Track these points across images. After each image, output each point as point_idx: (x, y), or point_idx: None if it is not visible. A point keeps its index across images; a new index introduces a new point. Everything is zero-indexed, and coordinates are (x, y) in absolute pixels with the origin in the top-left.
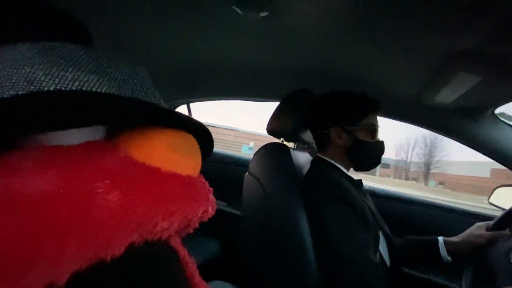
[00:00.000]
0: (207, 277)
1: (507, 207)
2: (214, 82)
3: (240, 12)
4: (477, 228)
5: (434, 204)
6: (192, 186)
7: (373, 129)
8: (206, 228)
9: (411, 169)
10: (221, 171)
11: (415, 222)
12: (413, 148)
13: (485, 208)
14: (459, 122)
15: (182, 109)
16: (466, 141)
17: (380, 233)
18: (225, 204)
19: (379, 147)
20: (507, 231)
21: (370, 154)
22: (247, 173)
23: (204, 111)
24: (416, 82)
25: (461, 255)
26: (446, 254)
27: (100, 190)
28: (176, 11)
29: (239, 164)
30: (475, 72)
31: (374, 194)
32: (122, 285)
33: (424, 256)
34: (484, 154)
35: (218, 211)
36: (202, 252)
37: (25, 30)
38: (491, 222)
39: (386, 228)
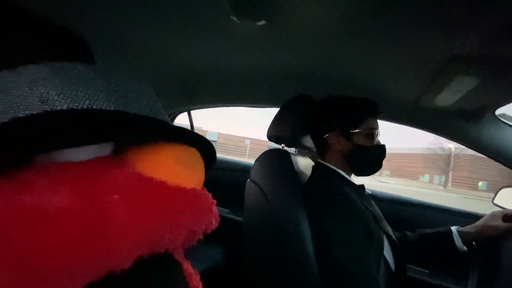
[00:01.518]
0: (210, 285)
1: (511, 208)
2: (214, 89)
3: (237, 21)
4: (493, 218)
5: (436, 207)
6: (196, 199)
7: (372, 133)
8: (209, 235)
9: None
10: (223, 177)
11: (416, 224)
12: None
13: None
14: (460, 124)
15: (183, 116)
16: (468, 143)
17: (384, 237)
18: (228, 211)
19: (379, 151)
20: None
21: (369, 159)
22: (248, 180)
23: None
24: (415, 85)
25: (488, 237)
26: (461, 244)
27: (110, 205)
28: (174, 20)
29: (241, 170)
30: (474, 74)
31: (375, 198)
32: None
33: (439, 247)
34: (487, 155)
35: (221, 218)
36: (205, 259)
37: (30, 48)
38: (507, 211)
39: (390, 231)
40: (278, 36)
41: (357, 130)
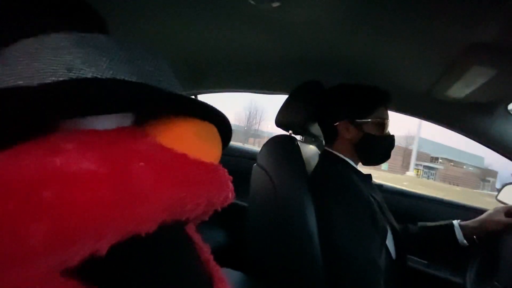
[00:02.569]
0: None
1: None
2: (222, 74)
3: (253, 2)
4: (496, 213)
5: (438, 199)
6: (215, 172)
7: (383, 122)
8: (213, 219)
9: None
10: (228, 163)
11: (420, 217)
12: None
13: None
14: (470, 117)
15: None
16: (476, 136)
17: (388, 228)
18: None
19: (389, 141)
20: None
21: (378, 149)
22: (255, 164)
23: None
24: (428, 76)
25: (488, 232)
26: (462, 237)
27: (136, 171)
28: (186, 1)
29: (246, 156)
30: (490, 65)
31: (382, 189)
32: (154, 259)
33: (440, 241)
34: (495, 150)
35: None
36: (209, 242)
37: (46, 17)
38: (511, 207)
39: (393, 221)
40: (291, 19)
41: (368, 119)
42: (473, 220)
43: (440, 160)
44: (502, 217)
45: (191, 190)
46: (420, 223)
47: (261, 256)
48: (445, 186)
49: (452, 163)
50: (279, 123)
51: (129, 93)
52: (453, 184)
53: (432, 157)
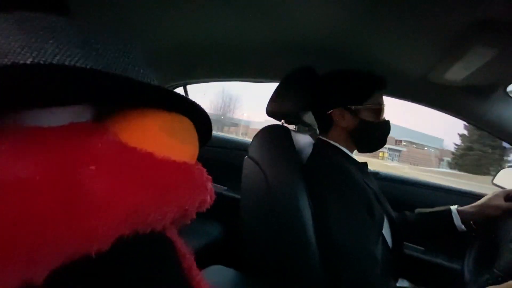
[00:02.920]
0: (208, 262)
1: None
2: (212, 63)
3: None
4: (495, 198)
5: (436, 186)
6: (188, 173)
7: (378, 108)
8: (207, 213)
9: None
10: (220, 155)
11: (418, 204)
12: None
13: None
14: (468, 101)
15: (179, 91)
16: (474, 120)
17: (384, 216)
18: (226, 188)
19: (385, 127)
20: None
21: (375, 135)
22: (246, 156)
23: None
24: (425, 59)
25: (476, 224)
26: (460, 223)
27: (84, 177)
28: None
29: (238, 148)
30: (492, 45)
31: (377, 177)
32: (110, 283)
33: (438, 227)
34: (492, 134)
35: (219, 196)
36: (202, 236)
37: None
38: (510, 191)
39: (390, 209)
40: (279, 3)
41: (363, 106)
42: (471, 205)
43: (404, 143)
44: (502, 202)
45: (156, 197)
46: (417, 210)
47: (255, 250)
48: (405, 167)
49: (414, 145)
50: (270, 112)
51: (81, 81)
52: (415, 165)
53: (396, 140)
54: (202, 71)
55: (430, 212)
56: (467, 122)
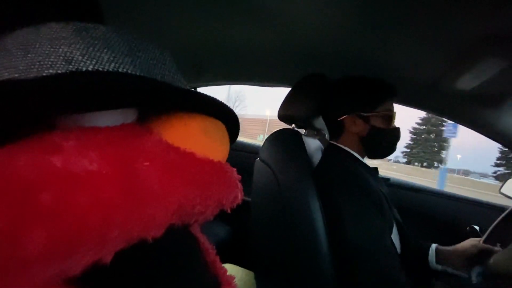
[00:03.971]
0: None
1: None
2: (223, 66)
3: None
4: (473, 240)
5: (445, 194)
6: (224, 172)
7: (390, 115)
8: (216, 215)
9: None
10: (231, 158)
11: (426, 211)
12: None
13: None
14: (478, 110)
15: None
16: (483, 129)
17: (393, 221)
18: None
19: (395, 134)
20: (498, 246)
21: (385, 142)
22: (257, 159)
23: None
24: (435, 68)
25: (453, 266)
26: (434, 260)
27: (141, 172)
28: None
29: (248, 151)
30: (502, 57)
31: (387, 183)
32: (162, 265)
33: (415, 262)
34: (502, 144)
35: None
36: (211, 237)
37: (41, 8)
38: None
39: (398, 216)
40: (293, 9)
41: (375, 113)
42: (452, 246)
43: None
44: (478, 242)
45: (200, 191)
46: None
47: (265, 252)
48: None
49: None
50: (282, 116)
51: (133, 87)
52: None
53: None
54: (212, 74)
55: (413, 244)
56: (478, 132)
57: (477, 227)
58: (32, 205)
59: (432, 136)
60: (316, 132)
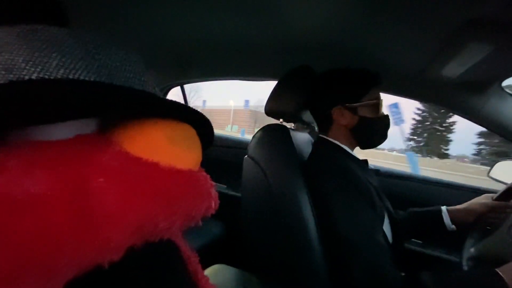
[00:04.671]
0: (209, 260)
1: (507, 181)
2: (209, 62)
3: None
4: (484, 197)
5: (437, 181)
6: (193, 181)
7: (377, 104)
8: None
9: None
10: (220, 154)
11: (418, 199)
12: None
13: None
14: (464, 96)
15: (175, 91)
16: (470, 115)
17: (385, 212)
18: (225, 187)
19: (385, 121)
20: (511, 202)
21: (376, 130)
22: (246, 156)
23: None
24: (421, 56)
25: (465, 223)
26: (450, 222)
27: (94, 190)
28: None
29: (237, 147)
30: (487, 42)
31: (378, 173)
32: (135, 283)
33: (428, 226)
34: (489, 129)
35: (219, 194)
36: (204, 234)
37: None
38: (497, 195)
39: (389, 206)
40: (276, 1)
41: (362, 103)
42: (460, 205)
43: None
44: (488, 200)
45: (164, 207)
46: (409, 209)
47: (257, 249)
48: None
49: None
50: (269, 111)
51: (86, 95)
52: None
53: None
54: (199, 70)
55: (421, 211)
56: (464, 118)
57: None
58: None
59: None
60: (305, 126)
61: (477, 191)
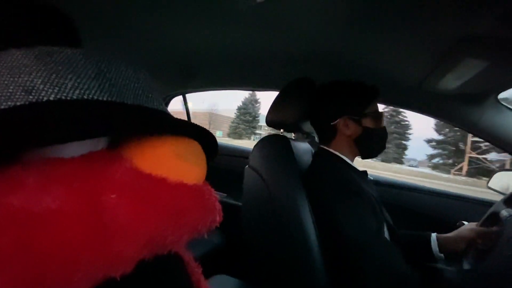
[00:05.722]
0: (210, 270)
1: (506, 192)
2: (211, 72)
3: None
4: (469, 225)
5: (438, 192)
6: (200, 195)
7: (378, 115)
8: None
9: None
10: (220, 162)
11: (419, 209)
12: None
13: None
14: (461, 108)
15: (177, 100)
16: (467, 127)
17: (384, 223)
18: (225, 195)
19: (384, 133)
20: (494, 228)
21: (377, 141)
22: (247, 166)
23: None
24: (419, 69)
25: (456, 251)
26: (438, 250)
27: (107, 205)
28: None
29: (237, 155)
30: (482, 57)
31: (378, 183)
32: None
33: (416, 251)
34: (486, 140)
35: (219, 202)
36: (204, 243)
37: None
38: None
39: (388, 217)
40: (278, 14)
41: (366, 114)
42: (451, 233)
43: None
44: (475, 227)
45: (172, 221)
46: (400, 231)
47: (258, 258)
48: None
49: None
50: (270, 122)
51: (101, 114)
52: None
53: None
54: (201, 80)
55: (410, 235)
56: (462, 129)
57: (466, 223)
58: None
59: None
60: (305, 136)
61: (474, 201)
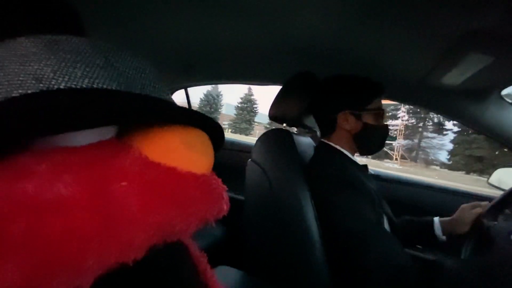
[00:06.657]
0: (212, 263)
1: (506, 188)
2: (213, 66)
3: None
4: (467, 206)
5: (437, 187)
6: (207, 185)
7: (380, 112)
8: None
9: None
10: (222, 156)
11: (418, 204)
12: None
13: None
14: (464, 104)
15: (179, 93)
16: (470, 123)
17: (384, 217)
18: (227, 189)
19: (386, 130)
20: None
21: (377, 138)
22: (249, 160)
23: None
24: (423, 64)
25: (457, 233)
26: (441, 233)
27: (118, 193)
28: None
29: (240, 150)
30: (487, 52)
31: (378, 178)
32: (149, 283)
33: (419, 235)
34: (489, 135)
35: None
36: (206, 237)
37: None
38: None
39: (389, 211)
40: (281, 7)
41: (367, 110)
42: (453, 216)
43: (256, 123)
44: (477, 208)
45: (181, 210)
46: (403, 217)
47: (260, 252)
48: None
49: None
50: (273, 116)
51: (110, 103)
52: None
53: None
54: (203, 74)
55: (413, 221)
56: (465, 125)
57: None
58: (2, 239)
59: None
60: (307, 130)
61: (473, 196)
